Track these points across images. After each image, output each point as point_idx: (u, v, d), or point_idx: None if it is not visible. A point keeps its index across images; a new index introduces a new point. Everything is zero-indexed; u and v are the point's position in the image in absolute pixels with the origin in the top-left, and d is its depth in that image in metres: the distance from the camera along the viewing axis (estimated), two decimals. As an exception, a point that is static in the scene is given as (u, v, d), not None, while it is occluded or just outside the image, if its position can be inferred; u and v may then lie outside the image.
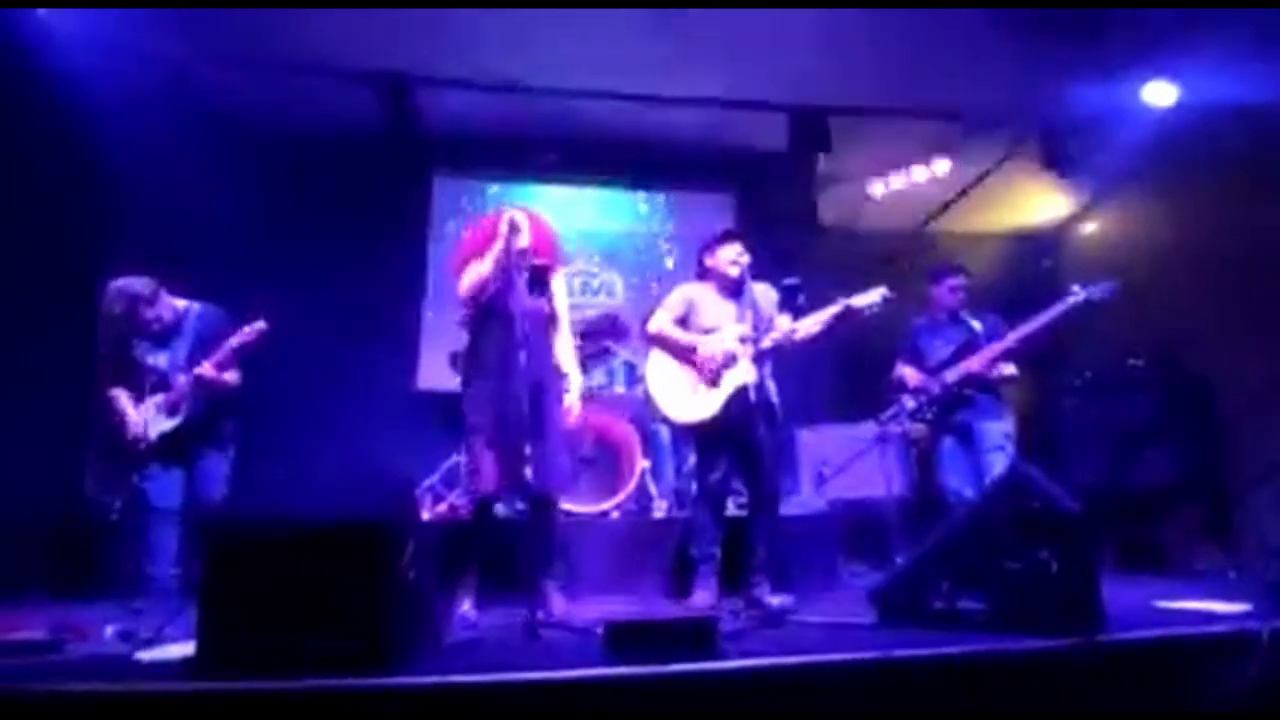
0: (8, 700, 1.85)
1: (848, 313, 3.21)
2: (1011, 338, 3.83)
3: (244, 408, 3.43)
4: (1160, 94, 4.71)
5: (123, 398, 3.28)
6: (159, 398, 3.26)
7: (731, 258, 3.33)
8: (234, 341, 3.25)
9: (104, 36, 4.03)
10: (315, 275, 4.70)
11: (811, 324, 3.22)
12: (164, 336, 3.34)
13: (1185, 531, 4.17)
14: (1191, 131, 4.59)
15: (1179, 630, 2.44)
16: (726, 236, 3.43)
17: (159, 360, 3.30)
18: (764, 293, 3.36)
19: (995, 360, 3.85)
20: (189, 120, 4.44)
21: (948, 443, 3.95)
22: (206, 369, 3.23)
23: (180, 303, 3.39)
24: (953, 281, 4.15)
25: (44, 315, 4.20)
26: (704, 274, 3.46)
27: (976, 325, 4.01)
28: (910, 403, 4.00)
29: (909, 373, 4.11)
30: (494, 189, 6.00)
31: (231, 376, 3.33)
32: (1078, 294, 3.71)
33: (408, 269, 5.69)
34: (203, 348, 3.31)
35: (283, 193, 4.95)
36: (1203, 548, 4.00)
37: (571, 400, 3.11)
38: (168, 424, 3.23)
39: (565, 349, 3.20)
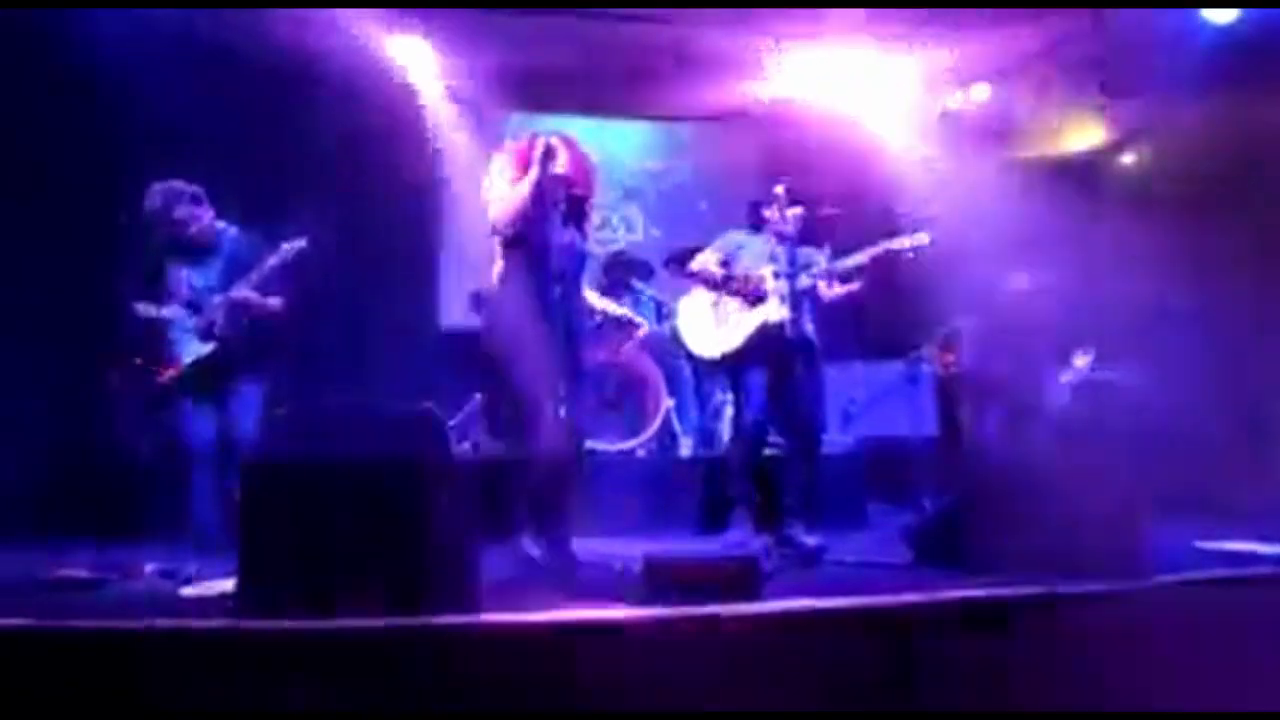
0: (51, 636, 1.87)
1: (886, 255, 3.13)
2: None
3: (287, 336, 3.27)
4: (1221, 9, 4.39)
5: (150, 308, 3.14)
6: (191, 320, 3.11)
7: (793, 216, 3.23)
8: (273, 260, 3.09)
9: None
10: (330, 212, 4.59)
11: (848, 265, 3.17)
12: (198, 253, 3.17)
13: (1227, 471, 4.10)
14: (1249, 48, 4.30)
15: (1221, 571, 2.41)
16: (794, 201, 3.26)
17: (193, 279, 3.14)
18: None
19: None
20: (198, 55, 4.25)
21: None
22: (246, 293, 3.06)
23: (220, 223, 3.23)
24: None
25: (58, 261, 4.15)
26: (758, 226, 3.37)
27: None
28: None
29: None
30: (513, 120, 5.81)
31: (275, 302, 3.16)
32: None
33: (424, 204, 5.56)
34: (239, 271, 3.13)
35: (296, 129, 4.79)
36: (1245, 488, 3.92)
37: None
38: (202, 349, 3.06)
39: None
